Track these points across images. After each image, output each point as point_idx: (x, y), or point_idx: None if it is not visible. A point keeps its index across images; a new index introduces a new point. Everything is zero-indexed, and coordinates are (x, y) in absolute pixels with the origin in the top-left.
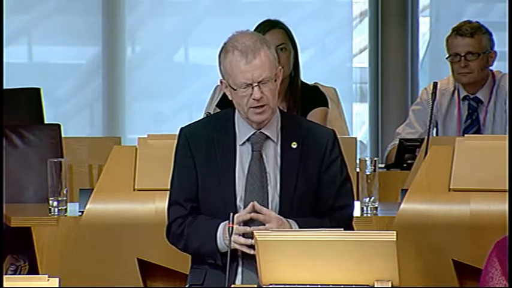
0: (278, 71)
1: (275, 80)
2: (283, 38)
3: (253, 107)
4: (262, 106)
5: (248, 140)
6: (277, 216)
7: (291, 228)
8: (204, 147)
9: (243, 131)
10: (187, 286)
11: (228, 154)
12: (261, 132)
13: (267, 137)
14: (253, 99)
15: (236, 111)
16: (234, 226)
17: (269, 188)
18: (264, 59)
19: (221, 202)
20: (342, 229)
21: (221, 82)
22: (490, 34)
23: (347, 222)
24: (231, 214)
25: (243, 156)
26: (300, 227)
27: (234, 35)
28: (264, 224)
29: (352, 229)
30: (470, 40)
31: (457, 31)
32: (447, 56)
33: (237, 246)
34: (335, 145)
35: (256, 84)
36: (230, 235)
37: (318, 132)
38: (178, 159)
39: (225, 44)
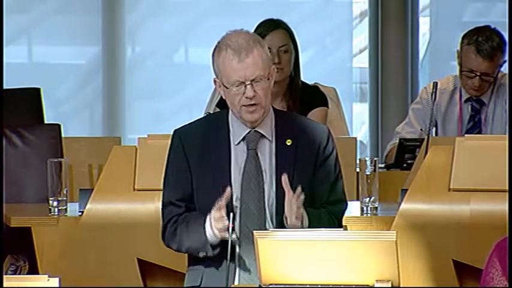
0: (271, 70)
1: (268, 79)
2: (286, 39)
3: (245, 106)
4: (254, 105)
5: (243, 139)
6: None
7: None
8: (198, 148)
9: (237, 130)
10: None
11: (223, 154)
12: (255, 130)
13: (262, 136)
14: (246, 97)
15: (230, 111)
16: (213, 212)
17: (265, 186)
18: (257, 58)
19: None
20: (342, 228)
21: (215, 81)
22: (505, 44)
23: (339, 217)
24: (232, 214)
25: (238, 156)
26: (309, 219)
27: (227, 34)
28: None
29: (341, 224)
30: (489, 63)
31: (477, 48)
32: (460, 68)
33: (217, 233)
34: (329, 141)
35: (249, 82)
36: (230, 235)
37: (312, 129)
38: (172, 160)
39: (218, 42)
